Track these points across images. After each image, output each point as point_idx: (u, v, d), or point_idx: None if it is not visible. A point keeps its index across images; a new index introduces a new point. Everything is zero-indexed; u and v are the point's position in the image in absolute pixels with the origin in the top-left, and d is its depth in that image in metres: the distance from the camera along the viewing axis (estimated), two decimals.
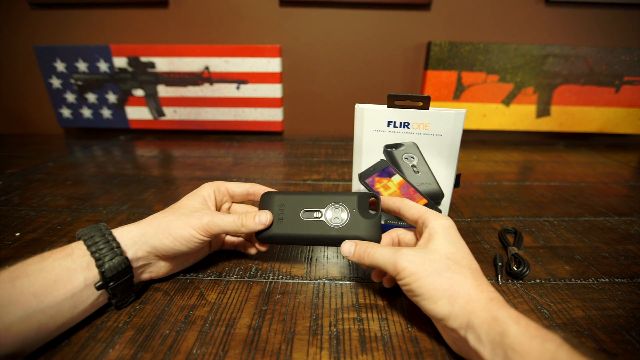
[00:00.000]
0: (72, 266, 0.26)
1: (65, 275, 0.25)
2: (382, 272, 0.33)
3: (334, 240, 0.32)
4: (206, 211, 0.31)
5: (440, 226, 0.28)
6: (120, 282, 0.28)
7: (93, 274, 0.26)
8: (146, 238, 0.29)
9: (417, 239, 0.32)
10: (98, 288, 0.27)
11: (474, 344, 0.22)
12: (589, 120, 0.92)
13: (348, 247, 0.30)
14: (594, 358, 0.19)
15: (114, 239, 0.28)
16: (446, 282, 0.24)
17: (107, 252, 0.27)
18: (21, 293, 0.23)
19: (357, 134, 0.40)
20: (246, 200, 0.38)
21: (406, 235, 0.33)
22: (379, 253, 0.28)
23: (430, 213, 0.30)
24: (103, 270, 0.26)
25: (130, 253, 0.28)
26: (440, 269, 0.25)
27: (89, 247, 0.27)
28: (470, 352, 0.22)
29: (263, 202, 0.34)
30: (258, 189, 0.37)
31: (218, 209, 0.36)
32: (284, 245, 0.41)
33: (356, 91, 0.95)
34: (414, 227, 0.32)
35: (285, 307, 0.30)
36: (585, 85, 0.88)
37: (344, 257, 0.38)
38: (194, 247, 0.31)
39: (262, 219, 0.31)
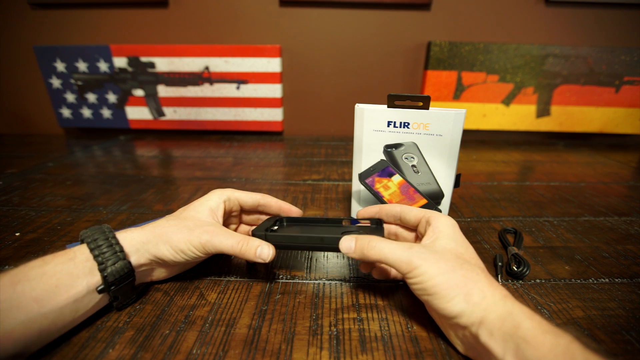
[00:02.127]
0: (74, 271, 0.26)
1: (67, 280, 0.25)
2: (372, 264, 0.32)
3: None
4: (208, 228, 0.30)
5: (445, 225, 0.28)
6: (122, 285, 0.28)
7: (96, 279, 0.26)
8: (148, 247, 0.29)
9: (417, 238, 0.32)
10: (99, 291, 0.26)
11: (485, 339, 0.22)
12: (589, 120, 0.92)
13: (347, 243, 0.29)
14: (606, 356, 0.19)
15: (117, 243, 0.28)
16: (461, 279, 0.24)
17: (110, 256, 0.27)
18: (22, 297, 0.23)
19: (357, 134, 0.40)
20: (256, 211, 0.38)
21: (404, 232, 0.33)
22: (389, 248, 0.27)
23: (432, 212, 0.30)
24: (105, 274, 0.26)
25: (133, 259, 0.28)
26: (454, 267, 0.25)
27: (91, 250, 0.27)
28: (480, 349, 0.22)
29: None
30: (269, 202, 0.36)
31: (227, 217, 0.36)
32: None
33: (356, 91, 0.95)
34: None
35: (285, 307, 0.30)
36: (585, 85, 0.88)
37: (344, 257, 0.38)
38: (193, 260, 0.31)
39: (263, 254, 0.30)
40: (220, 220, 0.33)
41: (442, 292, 0.24)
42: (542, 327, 0.20)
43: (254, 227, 0.37)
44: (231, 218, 0.37)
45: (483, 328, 0.22)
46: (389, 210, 0.33)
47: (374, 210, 0.35)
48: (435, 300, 0.24)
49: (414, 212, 0.31)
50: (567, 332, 0.20)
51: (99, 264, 0.26)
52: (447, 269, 0.25)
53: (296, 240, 0.32)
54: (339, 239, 0.29)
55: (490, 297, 0.23)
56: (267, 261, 0.30)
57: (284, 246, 0.33)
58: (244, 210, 0.38)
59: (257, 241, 0.31)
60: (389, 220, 0.34)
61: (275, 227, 0.35)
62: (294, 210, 0.37)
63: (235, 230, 0.39)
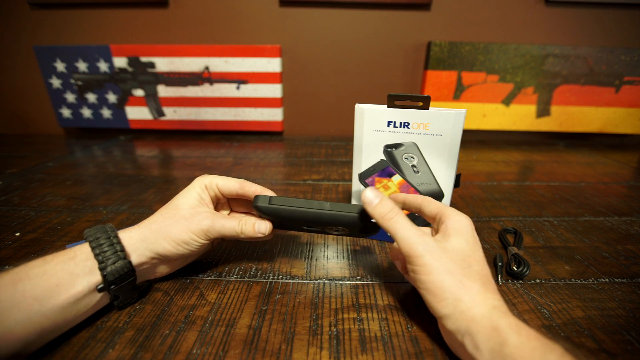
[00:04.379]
0: (75, 270, 0.26)
1: (67, 280, 0.25)
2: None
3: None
4: (206, 214, 0.31)
5: (458, 223, 0.27)
6: (122, 284, 0.28)
7: (96, 278, 0.26)
8: (147, 244, 0.29)
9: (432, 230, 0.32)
10: (99, 290, 0.26)
11: (471, 350, 0.22)
12: (589, 120, 0.92)
13: (372, 197, 0.28)
14: None
15: (119, 242, 0.28)
16: (455, 284, 0.24)
17: (110, 255, 0.27)
18: (23, 297, 0.23)
19: (357, 134, 0.40)
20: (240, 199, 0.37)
21: (430, 204, 0.31)
22: (403, 224, 0.27)
23: (449, 209, 0.29)
24: (105, 273, 0.26)
25: (133, 258, 0.28)
26: (454, 269, 0.24)
27: (93, 249, 0.27)
28: (468, 358, 0.22)
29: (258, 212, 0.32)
30: (248, 189, 0.33)
31: (214, 205, 0.35)
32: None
33: (356, 91, 0.95)
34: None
35: (285, 307, 0.30)
36: (585, 85, 0.88)
37: (344, 256, 0.38)
38: (196, 250, 0.31)
39: (260, 228, 0.31)
40: (211, 206, 0.33)
41: (435, 291, 0.24)
42: (529, 343, 0.20)
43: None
44: (220, 205, 0.36)
45: (468, 339, 0.22)
46: (412, 201, 0.32)
47: (400, 199, 0.33)
48: (428, 295, 0.25)
49: (432, 205, 0.30)
50: (557, 345, 0.20)
51: (99, 262, 0.26)
52: (447, 269, 0.24)
53: (301, 211, 0.30)
54: (354, 214, 0.29)
55: (478, 307, 0.23)
56: (266, 234, 0.31)
57: (285, 216, 0.31)
58: (229, 199, 0.36)
59: (253, 219, 0.32)
60: (410, 209, 0.33)
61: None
62: None
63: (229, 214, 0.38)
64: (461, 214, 0.29)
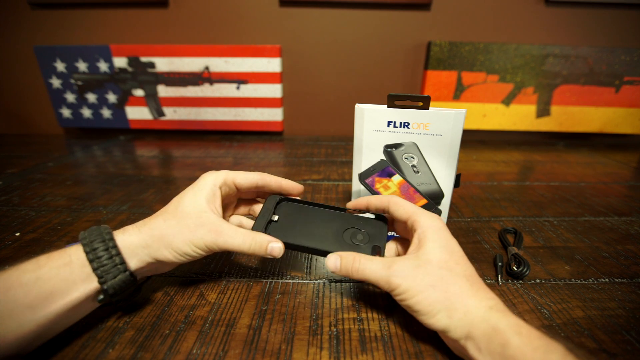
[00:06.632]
0: (70, 277, 0.24)
1: (62, 287, 0.24)
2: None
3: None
4: (210, 226, 0.29)
5: (429, 229, 0.27)
6: (123, 293, 0.27)
7: (93, 285, 0.25)
8: (148, 251, 0.28)
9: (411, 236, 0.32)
10: (100, 301, 0.26)
11: (473, 353, 0.22)
12: (589, 120, 0.92)
13: (333, 262, 0.28)
14: None
15: (118, 254, 0.26)
16: (442, 295, 0.24)
17: (110, 269, 0.25)
18: (15, 305, 0.22)
19: (357, 134, 0.40)
20: (254, 191, 0.36)
21: (405, 242, 0.32)
22: (369, 268, 0.27)
23: (418, 214, 0.28)
24: (106, 287, 0.25)
25: (132, 263, 0.27)
26: (435, 281, 0.24)
27: (90, 261, 0.25)
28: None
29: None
30: (268, 182, 0.33)
31: (224, 205, 0.34)
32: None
33: (356, 91, 0.95)
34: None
35: (285, 307, 0.30)
36: (585, 85, 0.88)
37: None
38: (197, 258, 0.30)
39: (274, 252, 0.29)
40: (220, 209, 0.31)
41: (424, 309, 0.24)
42: (531, 344, 0.20)
43: (252, 222, 0.34)
44: (229, 207, 0.36)
45: (470, 343, 0.22)
46: (378, 205, 0.32)
47: (363, 203, 0.33)
48: (420, 316, 0.24)
49: (400, 210, 0.30)
50: (559, 344, 0.19)
51: (99, 277, 0.25)
52: (427, 285, 0.24)
53: (297, 247, 0.31)
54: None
55: (474, 311, 0.23)
56: (277, 257, 0.30)
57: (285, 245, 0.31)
58: (240, 192, 0.35)
59: (265, 237, 0.30)
60: (377, 210, 0.32)
61: (276, 218, 0.33)
62: (294, 186, 0.36)
63: (232, 214, 0.37)
64: (430, 215, 0.28)
